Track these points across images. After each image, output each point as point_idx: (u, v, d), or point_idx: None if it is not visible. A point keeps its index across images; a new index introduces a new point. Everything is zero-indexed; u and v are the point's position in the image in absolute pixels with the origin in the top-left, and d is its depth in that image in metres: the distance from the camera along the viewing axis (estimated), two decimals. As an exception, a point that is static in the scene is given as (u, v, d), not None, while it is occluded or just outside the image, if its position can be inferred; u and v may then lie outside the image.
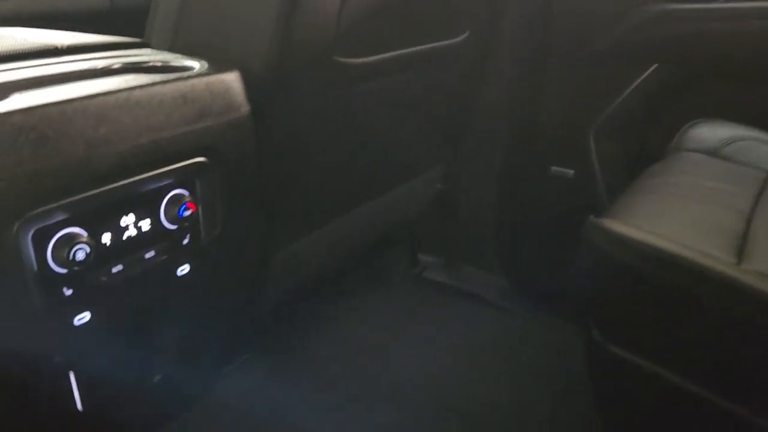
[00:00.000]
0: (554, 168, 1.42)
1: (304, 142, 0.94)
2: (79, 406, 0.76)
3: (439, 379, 1.25)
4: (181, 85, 0.69)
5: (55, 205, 0.59)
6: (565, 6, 1.30)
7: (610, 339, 0.78)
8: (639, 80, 1.30)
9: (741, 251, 0.78)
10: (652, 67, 1.29)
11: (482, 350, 1.35)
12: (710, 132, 1.16)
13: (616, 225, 0.78)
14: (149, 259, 0.70)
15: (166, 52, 0.83)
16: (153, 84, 0.67)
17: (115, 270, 0.67)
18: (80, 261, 0.61)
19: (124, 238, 0.67)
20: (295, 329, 1.32)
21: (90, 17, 1.99)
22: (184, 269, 0.75)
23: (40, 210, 0.58)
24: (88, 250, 0.62)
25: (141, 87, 0.65)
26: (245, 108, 0.77)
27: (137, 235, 0.69)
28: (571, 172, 1.40)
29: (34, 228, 0.59)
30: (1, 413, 0.67)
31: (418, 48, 1.09)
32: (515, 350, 1.35)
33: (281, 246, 1.05)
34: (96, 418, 0.80)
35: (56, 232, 0.60)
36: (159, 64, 0.77)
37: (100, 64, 0.73)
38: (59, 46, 0.77)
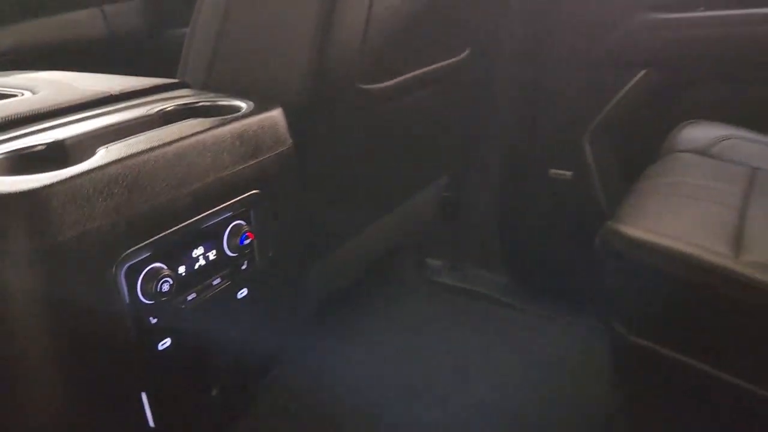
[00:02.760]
0: (553, 170, 1.51)
1: (336, 164, 1.02)
2: (150, 422, 0.82)
3: (467, 378, 1.33)
4: (237, 125, 0.76)
5: (144, 243, 0.66)
6: (560, 18, 1.39)
7: (632, 331, 0.87)
8: (629, 85, 1.39)
9: (738, 244, 0.87)
10: (641, 73, 1.38)
11: (495, 346, 1.43)
12: (700, 133, 1.25)
13: (631, 230, 0.87)
14: (216, 285, 0.77)
15: (206, 92, 0.90)
16: (216, 126, 0.74)
17: (190, 298, 0.74)
18: (165, 292, 0.68)
19: (196, 267, 0.74)
20: (327, 337, 1.40)
21: (89, 45, 2.04)
22: (243, 292, 0.82)
23: (133, 249, 0.65)
24: (171, 281, 0.68)
25: (207, 130, 0.72)
26: (289, 141, 0.84)
27: (206, 264, 0.75)
28: (569, 173, 1.49)
29: (127, 265, 0.65)
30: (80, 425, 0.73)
31: (427, 68, 1.17)
32: (527, 345, 1.44)
33: (316, 260, 1.12)
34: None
35: (144, 268, 0.67)
36: (208, 104, 0.84)
37: (155, 108, 0.80)
38: (113, 93, 0.84)
